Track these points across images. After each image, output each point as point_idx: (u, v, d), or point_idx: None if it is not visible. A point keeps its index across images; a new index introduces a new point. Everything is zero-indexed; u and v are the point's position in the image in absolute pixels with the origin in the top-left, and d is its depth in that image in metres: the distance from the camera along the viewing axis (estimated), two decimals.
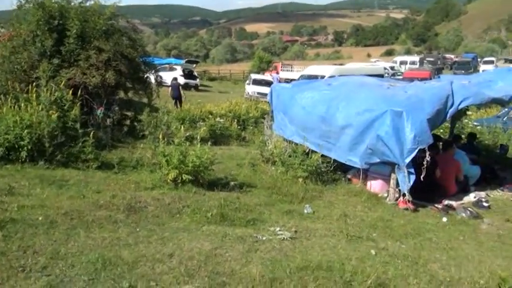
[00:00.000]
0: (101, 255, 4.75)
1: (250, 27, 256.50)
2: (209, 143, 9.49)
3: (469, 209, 8.28)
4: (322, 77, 24.51)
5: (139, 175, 8.34)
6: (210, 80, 49.72)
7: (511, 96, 9.12)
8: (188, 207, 6.73)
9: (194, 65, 44.41)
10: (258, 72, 46.86)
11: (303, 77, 27.55)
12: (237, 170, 9.70)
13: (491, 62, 58.06)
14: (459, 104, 8.43)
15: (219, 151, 11.12)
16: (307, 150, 9.28)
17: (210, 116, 15.52)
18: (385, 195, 8.47)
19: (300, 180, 8.67)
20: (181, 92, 22.77)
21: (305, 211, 7.29)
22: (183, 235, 5.65)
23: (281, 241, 5.76)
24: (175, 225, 6.10)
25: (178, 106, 19.64)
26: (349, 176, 9.22)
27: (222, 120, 14.88)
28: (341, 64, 42.28)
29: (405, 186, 7.93)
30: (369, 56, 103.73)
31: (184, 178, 7.55)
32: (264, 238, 5.79)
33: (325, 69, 28.43)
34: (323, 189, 8.61)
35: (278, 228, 6.19)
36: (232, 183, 8.33)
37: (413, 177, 7.91)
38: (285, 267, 4.91)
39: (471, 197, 9.16)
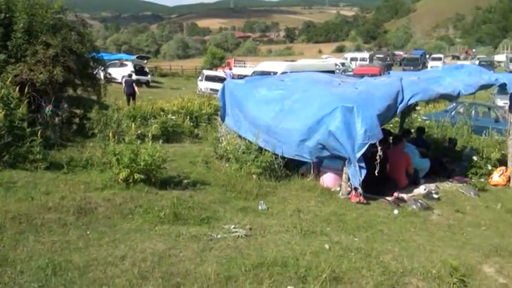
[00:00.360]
0: (50, 260, 4.62)
1: (202, 23, 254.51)
2: (161, 140, 9.30)
3: (420, 201, 8.51)
4: (275, 73, 24.67)
5: (89, 175, 8.10)
6: (162, 76, 48.96)
7: (458, 92, 9.43)
8: (140, 207, 6.60)
9: (145, 61, 43.75)
10: (211, 68, 46.59)
11: (255, 73, 27.62)
12: (190, 168, 9.57)
13: (439, 59, 60.12)
14: (409, 100, 8.66)
15: (171, 149, 10.96)
16: (260, 147, 9.28)
17: (161, 113, 15.20)
18: (338, 189, 8.57)
19: (254, 176, 8.66)
20: (135, 88, 22.49)
21: (259, 208, 7.29)
22: (136, 236, 5.54)
23: (236, 239, 5.74)
24: (127, 226, 5.98)
25: (132, 103, 19.35)
26: (302, 172, 9.27)
27: (174, 117, 14.63)
28: (293, 60, 42.61)
29: (357, 181, 8.05)
30: (320, 52, 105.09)
31: (135, 177, 7.38)
32: (218, 236, 5.75)
33: (277, 66, 28.62)
34: (277, 185, 8.62)
35: (233, 226, 6.17)
36: (185, 181, 8.20)
37: (364, 172, 8.05)
38: (240, 265, 4.90)
39: (421, 189, 9.44)
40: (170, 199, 7.00)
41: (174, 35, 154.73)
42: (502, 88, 10.53)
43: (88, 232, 5.60)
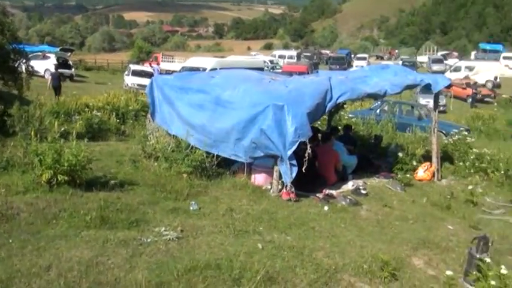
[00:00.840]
0: None
1: (128, 15, 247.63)
2: (86, 139, 8.90)
3: (349, 197, 8.71)
4: (204, 69, 24.42)
5: (10, 177, 7.56)
6: (86, 70, 46.95)
7: (385, 91, 9.72)
8: (65, 211, 6.27)
9: (69, 54, 41.95)
10: (138, 63, 45.41)
11: (184, 68, 27.20)
12: (117, 168, 9.18)
13: (364, 58, 62.16)
14: (337, 99, 8.82)
15: (97, 147, 10.56)
16: (191, 145, 9.10)
17: (86, 109, 14.49)
18: (269, 187, 8.59)
19: (185, 176, 8.48)
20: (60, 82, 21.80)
21: (191, 208, 7.15)
22: (61, 243, 5.25)
23: (167, 242, 5.59)
24: (52, 232, 5.65)
25: (57, 96, 18.54)
26: (233, 170, 9.20)
27: (99, 113, 13.98)
28: (222, 57, 42.43)
29: (288, 178, 8.12)
30: (249, 49, 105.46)
31: (59, 179, 6.99)
32: (148, 240, 5.57)
33: (206, 62, 28.31)
34: (208, 184, 8.50)
35: (163, 228, 6.00)
36: (112, 182, 7.84)
37: (295, 169, 8.11)
38: (172, 270, 4.76)
39: (350, 186, 9.64)
40: (96, 201, 6.69)
41: (99, 27, 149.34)
42: (427, 88, 10.97)
43: (10, 240, 5.27)
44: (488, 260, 5.51)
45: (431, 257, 6.53)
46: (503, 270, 5.07)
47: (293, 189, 8.15)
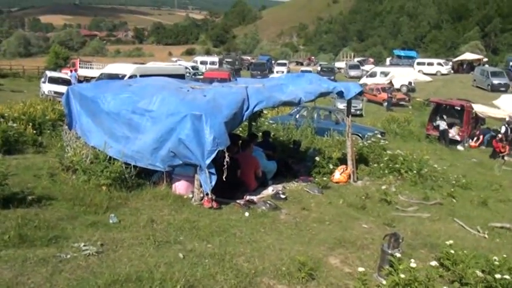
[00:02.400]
0: None
1: (45, 18, 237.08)
2: (1, 152, 8.53)
3: (268, 201, 8.91)
4: (123, 76, 24.04)
5: None
6: (1, 77, 44.60)
7: (299, 99, 10.08)
8: None
9: None
10: (55, 69, 43.71)
11: (103, 75, 26.56)
12: (34, 182, 8.84)
13: (284, 64, 63.53)
14: (254, 107, 9.05)
15: (13, 161, 10.14)
16: (110, 156, 8.95)
17: (1, 120, 13.80)
18: (191, 196, 8.64)
19: (104, 188, 8.31)
20: None
21: (110, 221, 7.05)
22: None
23: (87, 257, 5.52)
24: None
25: None
26: (154, 180, 9.16)
27: (15, 124, 13.33)
28: (142, 63, 41.78)
29: (207, 187, 8.21)
30: (170, 54, 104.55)
31: None
32: (68, 256, 5.47)
33: (126, 68, 27.72)
34: (128, 195, 8.38)
35: (83, 244, 5.90)
36: (29, 197, 7.54)
37: (214, 177, 8.23)
38: (92, 286, 4.73)
39: (269, 190, 9.89)
40: (14, 219, 6.46)
41: (14, 30, 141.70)
42: (340, 95, 11.50)
43: None
44: (398, 255, 5.90)
45: (347, 256, 6.89)
46: (413, 264, 5.42)
47: (214, 197, 8.27)
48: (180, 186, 8.86)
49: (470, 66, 62.01)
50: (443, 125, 23.89)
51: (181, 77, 25.20)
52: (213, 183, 8.20)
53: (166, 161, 8.64)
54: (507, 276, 5.75)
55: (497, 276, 5.78)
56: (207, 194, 8.23)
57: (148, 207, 8.02)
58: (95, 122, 9.64)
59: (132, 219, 7.28)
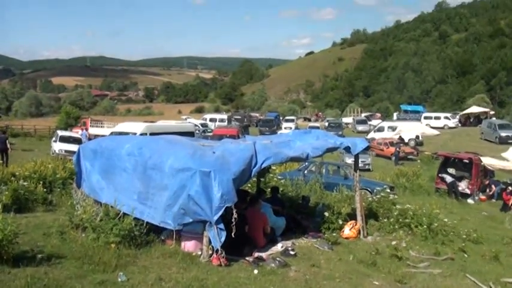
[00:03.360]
0: None
1: (56, 80, 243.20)
2: (12, 212, 8.58)
3: (278, 258, 8.82)
4: (134, 134, 24.35)
5: None
6: (13, 136, 45.22)
7: (307, 155, 10.20)
8: None
9: None
10: (66, 128, 44.44)
11: (114, 134, 26.98)
12: (44, 241, 8.84)
13: (292, 120, 64.25)
14: (262, 164, 9.14)
15: (23, 220, 10.15)
16: (120, 213, 8.98)
17: (12, 178, 13.95)
18: (199, 253, 8.59)
19: (113, 246, 8.30)
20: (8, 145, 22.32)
21: (119, 279, 6.99)
22: None
23: None
24: None
25: (5, 160, 17.91)
26: (163, 238, 9.14)
27: (26, 183, 13.49)
28: (152, 121, 42.45)
29: (217, 243, 8.17)
30: (180, 112, 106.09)
31: None
32: None
33: (136, 127, 28.18)
34: (137, 253, 8.34)
35: None
36: (39, 256, 7.53)
37: (223, 233, 8.21)
38: None
39: (278, 247, 9.80)
40: (24, 278, 6.44)
41: (26, 91, 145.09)
42: (347, 151, 11.61)
43: None
44: None
45: None
46: None
47: (223, 254, 8.22)
48: (189, 244, 8.82)
49: (477, 119, 62.42)
50: (449, 177, 23.83)
51: (190, 134, 25.59)
52: (223, 239, 8.17)
53: (177, 219, 8.63)
54: None
55: None
56: (217, 251, 8.18)
57: (157, 265, 7.96)
58: (106, 178, 9.75)
59: (140, 278, 7.22)
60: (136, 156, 9.49)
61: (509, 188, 22.92)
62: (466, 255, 11.68)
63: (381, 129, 47.49)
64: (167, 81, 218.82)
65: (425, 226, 12.62)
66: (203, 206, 8.23)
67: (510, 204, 21.76)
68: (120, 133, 25.89)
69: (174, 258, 8.32)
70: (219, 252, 8.17)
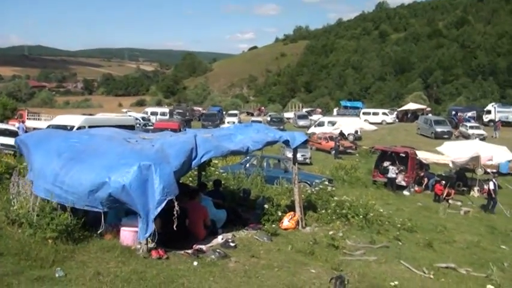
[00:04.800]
0: None
1: None
2: None
3: (218, 250, 8.91)
4: (72, 127, 23.75)
5: None
6: None
7: (247, 148, 10.35)
8: None
9: None
10: (2, 121, 42.50)
11: (51, 127, 26.14)
12: None
13: (235, 115, 64.23)
14: (202, 157, 9.19)
15: None
16: (55, 208, 8.74)
17: None
18: (138, 246, 8.51)
19: (50, 241, 8.11)
20: None
21: (56, 275, 6.87)
22: None
23: None
24: None
25: None
26: (101, 232, 8.99)
27: None
28: (91, 114, 41.35)
29: (142, 236, 8.16)
30: (120, 105, 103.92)
31: None
32: None
33: (74, 120, 27.37)
34: (75, 248, 8.17)
35: None
36: None
37: (152, 227, 8.14)
38: None
39: (219, 239, 9.87)
40: None
41: None
42: (286, 144, 11.86)
43: None
44: None
45: None
46: None
47: (162, 247, 8.20)
48: (127, 237, 8.71)
49: (414, 115, 64.87)
50: (393, 172, 24.71)
51: (131, 128, 25.16)
52: (148, 234, 8.13)
53: (106, 204, 8.41)
54: None
55: None
56: (154, 244, 8.16)
57: (95, 259, 7.85)
58: (32, 165, 9.45)
59: (78, 273, 7.12)
60: (66, 144, 9.26)
61: (443, 181, 24.16)
62: (400, 243, 12.28)
63: (321, 124, 48.48)
64: (107, 73, 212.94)
65: (361, 216, 13.14)
66: (136, 199, 8.09)
67: (443, 195, 22.94)
68: (58, 126, 25.14)
69: (113, 252, 8.22)
70: (150, 243, 8.15)
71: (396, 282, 7.17)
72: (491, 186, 22.19)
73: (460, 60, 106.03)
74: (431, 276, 9.74)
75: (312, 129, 46.93)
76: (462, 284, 9.09)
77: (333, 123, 45.95)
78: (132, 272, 7.34)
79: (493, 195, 22.14)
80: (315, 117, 63.15)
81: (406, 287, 7.40)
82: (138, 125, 38.27)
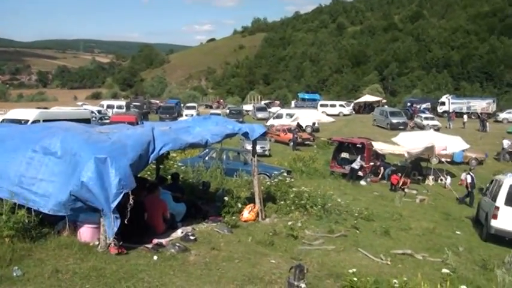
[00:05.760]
0: None
1: None
2: None
3: (178, 244, 8.86)
4: (26, 121, 23.05)
5: None
6: None
7: (206, 141, 10.31)
8: None
9: None
10: None
11: (5, 121, 25.32)
12: None
13: (194, 108, 63.79)
14: (160, 150, 9.08)
15: None
16: (13, 206, 8.47)
17: None
18: (97, 243, 8.38)
19: (7, 240, 7.86)
20: None
21: (14, 274, 6.67)
22: None
23: None
24: None
25: None
26: (58, 229, 8.80)
27: None
28: (46, 108, 40.22)
29: (111, 232, 8.00)
30: (75, 98, 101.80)
31: None
32: None
33: (29, 114, 26.54)
34: (32, 246, 7.93)
35: None
36: None
37: (118, 222, 8.00)
38: None
39: (179, 233, 9.84)
40: None
41: None
42: (245, 136, 11.90)
43: None
44: (303, 285, 6.18)
45: None
46: None
47: (120, 243, 8.09)
48: (85, 234, 8.56)
49: (371, 107, 66.15)
50: (357, 164, 25.09)
51: (86, 121, 24.65)
52: (116, 228, 7.98)
53: (68, 205, 8.21)
54: None
55: None
56: (113, 239, 8.04)
57: (53, 257, 7.66)
58: None
59: (36, 271, 6.94)
60: (23, 139, 9.01)
61: (399, 172, 24.80)
62: (358, 232, 12.58)
63: (279, 116, 48.75)
64: (62, 64, 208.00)
65: (320, 206, 13.37)
66: (97, 194, 7.93)
67: (399, 184, 23.57)
68: (12, 120, 24.38)
69: (71, 249, 8.04)
70: (114, 240, 7.99)
71: (354, 270, 7.32)
72: (469, 180, 22.79)
73: (415, 54, 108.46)
74: (389, 263, 10.03)
75: (270, 122, 47.15)
76: (418, 269, 9.37)
77: (291, 115, 46.29)
78: (91, 268, 7.22)
79: (470, 189, 22.74)
80: (273, 109, 63.41)
81: (364, 274, 7.56)
82: (94, 119, 37.50)
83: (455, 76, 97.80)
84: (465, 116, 53.71)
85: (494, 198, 15.44)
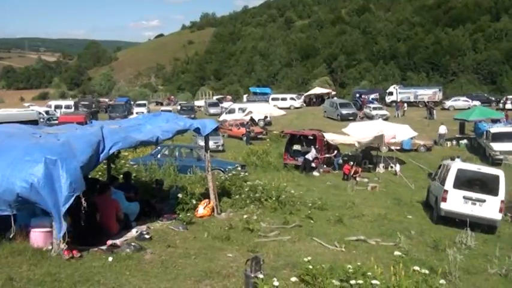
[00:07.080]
0: None
1: None
2: None
3: (133, 243, 8.78)
4: None
5: None
6: None
7: (157, 138, 10.23)
8: None
9: None
10: None
11: None
12: None
13: (144, 105, 62.99)
14: (110, 149, 8.96)
15: None
16: None
17: None
18: (50, 247, 8.20)
19: None
20: None
21: None
22: None
23: None
24: None
25: None
26: (9, 236, 8.52)
27: None
28: None
29: (60, 234, 7.87)
30: (22, 99, 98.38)
31: None
32: None
33: None
34: None
35: None
36: None
37: (64, 225, 7.86)
38: None
39: (133, 232, 9.77)
40: None
41: None
42: (197, 132, 11.89)
43: None
44: (261, 276, 6.29)
45: (214, 286, 7.15)
46: (276, 283, 5.95)
47: (66, 246, 7.93)
48: (37, 239, 8.33)
49: (321, 99, 67.15)
50: (311, 155, 25.44)
51: (34, 122, 23.89)
52: (63, 232, 7.84)
53: (14, 205, 7.92)
54: (361, 281, 6.40)
55: (352, 282, 6.41)
56: (66, 243, 7.89)
57: (6, 264, 7.48)
58: None
59: None
60: None
61: (351, 162, 25.35)
62: (312, 221, 12.83)
63: (232, 111, 48.80)
64: (7, 64, 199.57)
65: (274, 199, 13.53)
66: (46, 197, 7.74)
67: (351, 173, 24.12)
68: None
69: (24, 255, 7.85)
70: (64, 243, 7.86)
71: (309, 258, 7.48)
72: None
73: (362, 46, 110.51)
74: (343, 249, 10.32)
75: (223, 117, 47.14)
76: (372, 254, 9.65)
77: (243, 110, 46.42)
78: (45, 274, 7.08)
79: None
80: (225, 104, 63.33)
81: (320, 262, 7.73)
82: (41, 120, 36.46)
83: (402, 67, 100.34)
84: (405, 105, 55.58)
85: (443, 182, 15.99)
